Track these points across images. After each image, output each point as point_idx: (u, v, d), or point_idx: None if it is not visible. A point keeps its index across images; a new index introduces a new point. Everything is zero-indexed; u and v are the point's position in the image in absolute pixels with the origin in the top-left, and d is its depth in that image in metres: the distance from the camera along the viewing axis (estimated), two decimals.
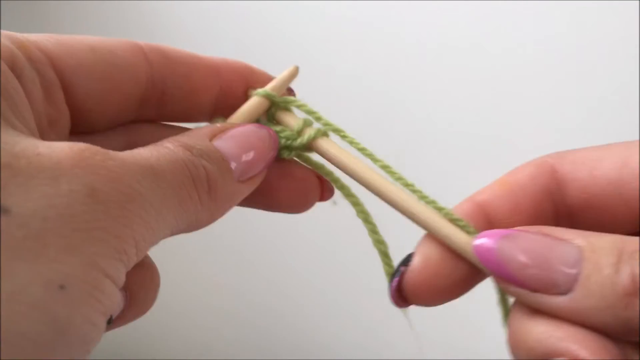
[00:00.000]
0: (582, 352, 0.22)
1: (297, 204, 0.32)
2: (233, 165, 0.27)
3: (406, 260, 0.27)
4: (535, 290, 0.23)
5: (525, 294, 0.23)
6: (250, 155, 0.28)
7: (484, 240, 0.25)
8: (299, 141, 0.30)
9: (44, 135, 0.25)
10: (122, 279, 0.22)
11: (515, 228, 0.25)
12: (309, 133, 0.31)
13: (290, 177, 0.31)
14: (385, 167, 0.30)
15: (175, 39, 0.98)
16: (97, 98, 0.27)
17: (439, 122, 0.80)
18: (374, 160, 0.31)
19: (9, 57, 0.24)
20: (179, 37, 0.98)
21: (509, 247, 0.24)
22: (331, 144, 0.30)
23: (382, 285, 0.29)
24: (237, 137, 0.28)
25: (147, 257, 0.29)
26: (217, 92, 0.31)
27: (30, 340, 0.18)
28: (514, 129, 0.76)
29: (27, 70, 0.24)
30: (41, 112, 0.25)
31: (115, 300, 0.21)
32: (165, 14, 0.98)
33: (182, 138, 0.26)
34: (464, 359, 0.82)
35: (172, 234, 0.25)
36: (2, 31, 0.25)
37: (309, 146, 0.31)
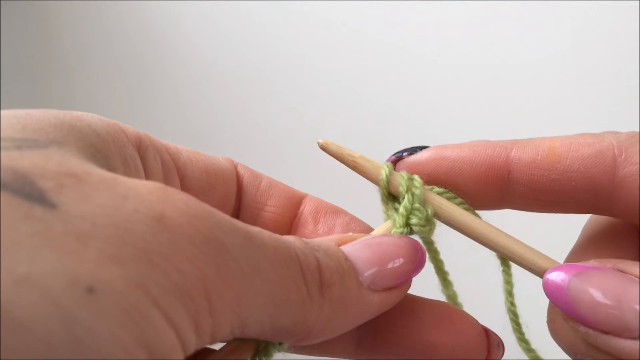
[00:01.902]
0: None
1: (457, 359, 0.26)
2: (365, 272, 0.24)
3: (413, 150, 0.28)
4: (605, 331, 0.22)
5: (594, 335, 0.22)
6: (386, 264, 0.24)
7: (554, 275, 0.23)
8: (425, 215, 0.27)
9: None
10: (185, 330, 0.18)
11: (590, 263, 0.24)
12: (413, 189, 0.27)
13: (447, 321, 0.26)
14: None
15: (175, 39, 0.99)
16: (205, 189, 0.28)
17: (437, 125, 0.80)
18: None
19: (136, 137, 0.25)
20: (179, 37, 0.98)
21: (581, 285, 0.23)
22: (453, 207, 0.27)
23: None
24: (370, 243, 0.25)
25: None
26: (292, 217, 0.29)
27: (36, 334, 0.15)
28: (513, 132, 0.77)
29: (151, 150, 0.26)
30: None
31: (167, 346, 0.17)
32: (165, 14, 0.98)
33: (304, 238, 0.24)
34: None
35: (273, 327, 0.21)
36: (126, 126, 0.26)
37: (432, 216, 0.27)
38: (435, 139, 0.86)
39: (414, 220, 0.27)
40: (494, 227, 0.26)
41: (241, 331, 0.20)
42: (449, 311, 0.27)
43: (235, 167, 0.30)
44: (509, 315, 0.29)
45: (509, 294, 0.29)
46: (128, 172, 0.23)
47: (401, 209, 0.27)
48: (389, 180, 0.27)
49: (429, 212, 0.27)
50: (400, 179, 0.27)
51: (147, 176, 0.25)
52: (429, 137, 0.80)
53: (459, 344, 0.26)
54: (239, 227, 0.20)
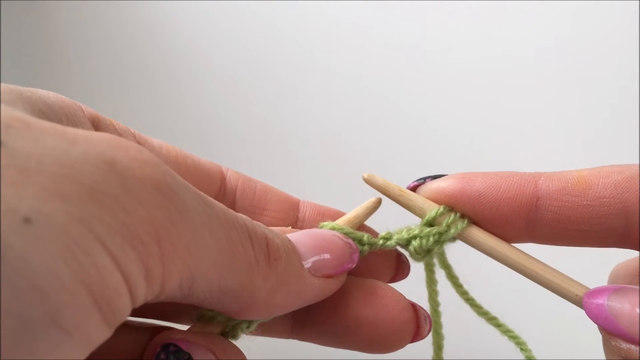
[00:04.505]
0: None
1: (384, 334, 0.26)
2: (305, 256, 0.25)
3: (436, 177, 0.28)
4: None
5: (635, 352, 0.23)
6: (322, 255, 0.25)
7: (594, 296, 0.24)
8: (449, 234, 0.28)
9: None
10: (135, 275, 0.17)
11: (626, 285, 0.24)
12: (454, 225, 0.27)
13: (372, 295, 0.27)
14: None
15: (176, 39, 0.98)
16: None
17: (437, 124, 0.80)
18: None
19: (94, 116, 0.25)
20: (179, 38, 0.98)
21: (620, 300, 0.23)
22: (479, 231, 0.27)
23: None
24: (310, 233, 0.26)
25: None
26: (293, 220, 0.30)
27: None
28: (513, 132, 0.77)
29: (111, 130, 0.26)
30: None
31: (111, 289, 0.17)
32: (165, 14, 0.98)
33: None
34: (465, 358, 0.82)
35: (220, 287, 0.21)
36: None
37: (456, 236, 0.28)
38: (436, 138, 0.86)
39: (415, 243, 0.28)
40: (528, 255, 0.27)
41: (189, 286, 0.20)
42: (375, 286, 0.27)
43: (223, 172, 0.30)
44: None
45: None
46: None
47: (417, 231, 0.28)
48: (434, 218, 0.27)
49: (440, 251, 0.28)
50: (448, 218, 0.27)
51: None
52: (429, 137, 0.80)
53: (383, 317, 0.26)
54: (190, 185, 0.20)
